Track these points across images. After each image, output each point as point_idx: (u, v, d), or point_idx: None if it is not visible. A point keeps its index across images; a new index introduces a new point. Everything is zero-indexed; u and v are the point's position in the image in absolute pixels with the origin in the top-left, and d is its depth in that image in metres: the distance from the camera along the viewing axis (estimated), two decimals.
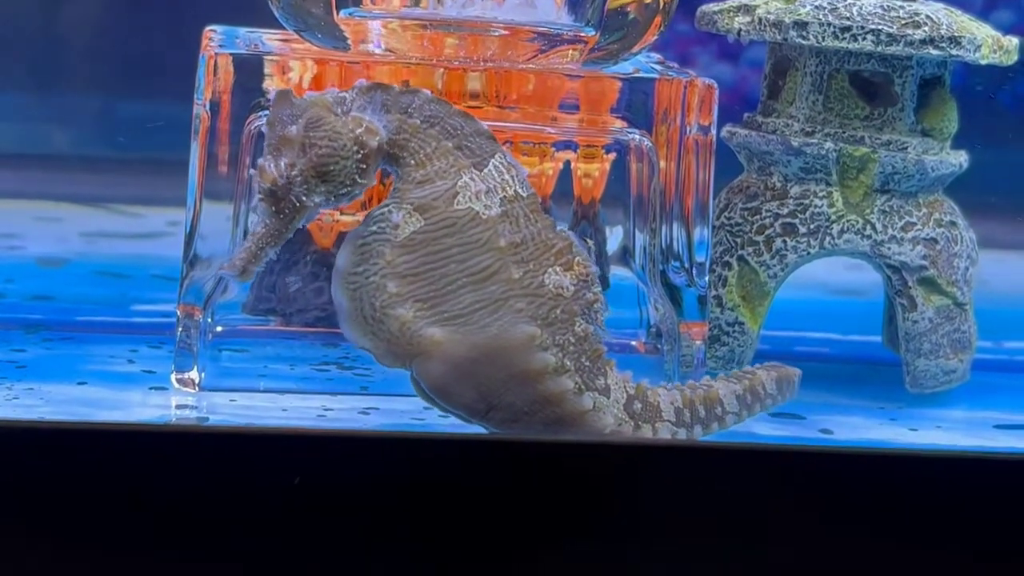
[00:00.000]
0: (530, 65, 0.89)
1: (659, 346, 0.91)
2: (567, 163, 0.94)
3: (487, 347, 0.72)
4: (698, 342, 0.89)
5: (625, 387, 0.76)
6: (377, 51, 0.89)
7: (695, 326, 0.89)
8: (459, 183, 0.73)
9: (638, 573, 0.72)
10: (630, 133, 0.89)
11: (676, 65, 0.94)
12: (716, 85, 0.88)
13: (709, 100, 0.88)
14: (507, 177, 0.74)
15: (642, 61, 0.94)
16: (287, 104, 0.75)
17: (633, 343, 0.94)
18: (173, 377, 0.86)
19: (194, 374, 0.86)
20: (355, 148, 0.74)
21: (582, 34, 0.89)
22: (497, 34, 0.88)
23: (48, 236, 1.17)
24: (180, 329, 0.85)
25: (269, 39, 0.93)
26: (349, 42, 0.88)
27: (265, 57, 0.87)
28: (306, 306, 0.94)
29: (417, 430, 0.80)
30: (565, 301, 0.73)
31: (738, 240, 0.94)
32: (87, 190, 1.24)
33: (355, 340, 0.75)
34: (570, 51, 0.90)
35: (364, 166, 0.74)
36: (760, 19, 0.92)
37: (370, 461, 0.72)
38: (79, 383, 0.87)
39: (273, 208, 0.74)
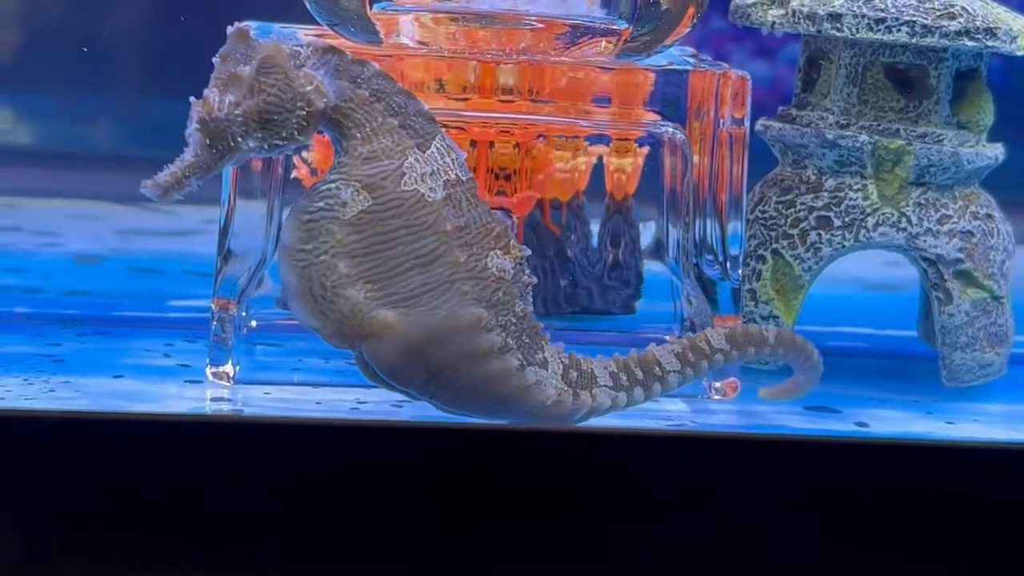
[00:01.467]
0: (563, 58, 0.89)
1: None
2: (600, 157, 0.93)
3: (437, 329, 0.74)
4: None
5: (560, 358, 0.77)
6: (410, 44, 0.89)
7: (728, 319, 0.89)
8: (405, 164, 0.74)
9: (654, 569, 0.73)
10: (663, 126, 0.89)
11: (709, 58, 0.94)
12: (749, 77, 0.88)
13: (743, 92, 0.88)
14: (448, 160, 0.75)
15: (675, 54, 0.93)
16: (244, 43, 0.75)
17: (667, 337, 0.94)
18: (208, 370, 0.86)
19: (229, 367, 0.86)
20: (301, 104, 0.74)
21: (615, 27, 0.89)
22: (530, 27, 0.88)
23: (85, 234, 1.18)
24: (215, 323, 0.86)
25: (303, 35, 0.93)
26: (381, 36, 0.89)
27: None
28: None
29: (451, 421, 0.80)
30: (506, 283, 0.75)
31: (772, 233, 0.93)
32: (123, 189, 1.25)
33: (303, 319, 0.76)
34: (603, 43, 0.90)
35: (305, 124, 0.74)
36: (794, 12, 0.92)
37: (402, 449, 0.72)
38: (115, 376, 0.87)
39: (207, 141, 0.74)
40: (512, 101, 0.88)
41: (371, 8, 0.87)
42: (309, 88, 0.74)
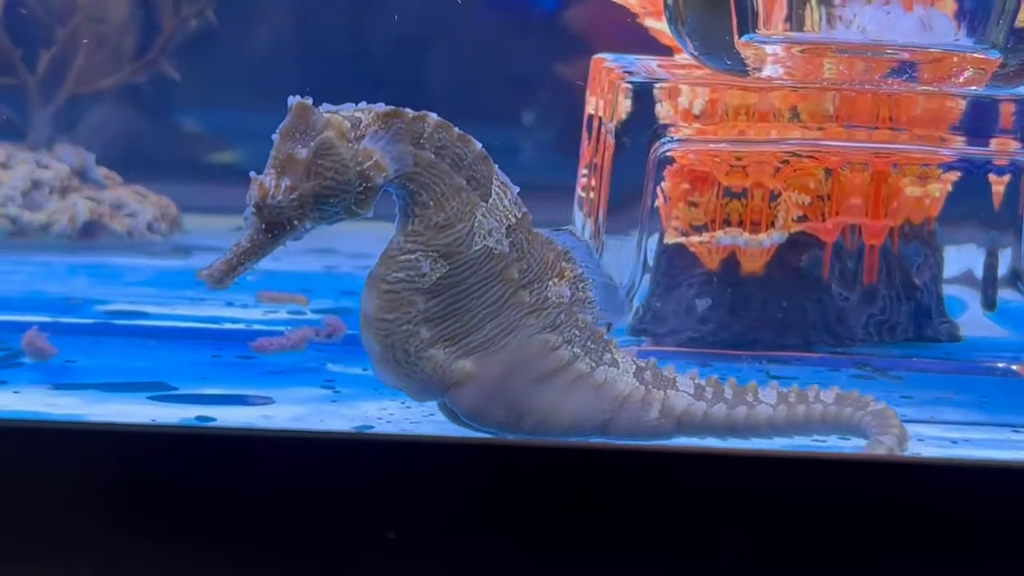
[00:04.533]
0: (930, 88, 0.89)
1: None
2: (958, 183, 0.93)
3: (510, 363, 0.76)
4: None
5: (633, 361, 0.78)
6: (774, 76, 0.90)
7: None
8: (475, 224, 0.75)
9: None
10: None
11: None
12: None
13: None
14: (506, 203, 0.76)
15: None
16: (304, 118, 0.74)
17: (1015, 367, 0.93)
18: None
19: None
20: (358, 182, 0.74)
21: (984, 57, 0.88)
22: (898, 57, 0.88)
23: None
24: None
25: (656, 64, 0.94)
26: (747, 66, 0.89)
27: (661, 84, 0.89)
28: (679, 327, 0.95)
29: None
30: (566, 306, 0.76)
31: None
32: None
33: (386, 381, 0.78)
34: (970, 71, 0.89)
35: (363, 197, 0.74)
36: None
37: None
38: None
39: (263, 225, 0.74)
40: (875, 130, 0.88)
41: (739, 38, 0.88)
42: (368, 164, 0.74)
